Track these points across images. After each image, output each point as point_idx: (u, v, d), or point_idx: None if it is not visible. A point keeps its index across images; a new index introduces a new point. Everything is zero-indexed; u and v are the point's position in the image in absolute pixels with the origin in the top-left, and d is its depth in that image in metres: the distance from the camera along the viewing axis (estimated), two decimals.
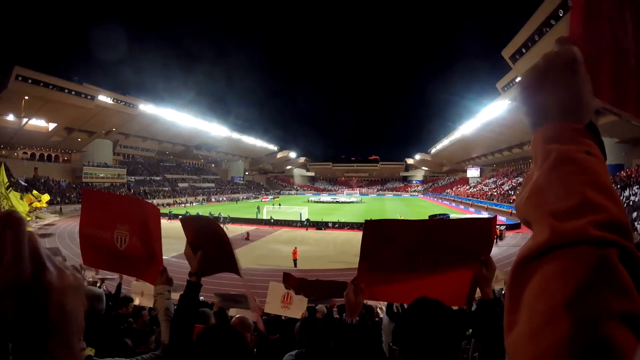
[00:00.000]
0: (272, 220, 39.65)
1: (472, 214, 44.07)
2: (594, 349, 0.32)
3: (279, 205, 58.46)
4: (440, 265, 1.94)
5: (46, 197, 34.59)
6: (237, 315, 3.57)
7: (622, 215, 0.44)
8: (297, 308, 6.03)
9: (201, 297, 9.17)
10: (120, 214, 2.35)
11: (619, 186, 33.93)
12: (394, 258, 1.96)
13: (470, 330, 3.13)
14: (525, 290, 0.41)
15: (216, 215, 42.17)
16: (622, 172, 38.06)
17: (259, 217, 44.58)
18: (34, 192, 35.50)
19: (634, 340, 0.33)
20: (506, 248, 26.24)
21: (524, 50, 37.30)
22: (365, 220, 1.91)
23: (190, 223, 2.29)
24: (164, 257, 2.34)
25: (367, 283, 1.94)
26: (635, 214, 25.72)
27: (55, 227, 34.21)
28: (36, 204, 32.85)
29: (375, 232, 1.95)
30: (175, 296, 2.17)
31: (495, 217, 2.16)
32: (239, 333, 1.42)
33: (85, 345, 1.69)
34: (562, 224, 0.43)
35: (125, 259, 2.34)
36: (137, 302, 8.11)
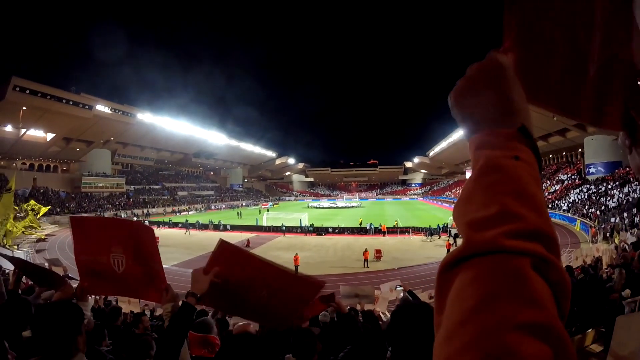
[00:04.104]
0: (284, 228, 39.37)
1: None
2: (495, 357, 0.33)
3: (267, 211, 59.34)
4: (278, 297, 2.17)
5: (44, 210, 34.52)
6: (240, 324, 3.52)
7: (543, 223, 0.44)
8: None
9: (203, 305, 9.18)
10: (113, 237, 2.32)
11: (617, 183, 33.93)
12: (238, 288, 2.14)
13: None
14: (447, 295, 0.42)
15: (216, 223, 42.24)
16: (621, 169, 38.10)
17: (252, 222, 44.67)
18: (32, 202, 35.44)
19: (544, 348, 0.34)
20: None
21: None
22: (220, 239, 2.02)
23: (228, 252, 2.12)
24: (163, 266, 2.31)
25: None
26: (635, 210, 25.70)
27: (55, 238, 34.13)
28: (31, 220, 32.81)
29: (225, 255, 2.06)
30: None
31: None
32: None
33: None
34: (476, 234, 0.44)
35: (124, 281, 2.33)
36: (125, 308, 8.35)
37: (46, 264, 12.30)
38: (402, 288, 8.61)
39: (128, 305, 9.85)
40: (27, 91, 44.10)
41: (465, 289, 0.40)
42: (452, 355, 0.36)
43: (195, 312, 2.00)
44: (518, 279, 0.39)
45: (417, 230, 35.94)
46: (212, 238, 36.33)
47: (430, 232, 33.87)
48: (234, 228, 41.64)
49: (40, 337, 1.64)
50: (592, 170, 43.11)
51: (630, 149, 0.64)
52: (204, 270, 2.02)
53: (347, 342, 2.72)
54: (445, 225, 34.56)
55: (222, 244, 2.03)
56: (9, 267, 11.46)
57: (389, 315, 9.08)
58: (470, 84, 0.60)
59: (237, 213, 59.25)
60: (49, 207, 35.63)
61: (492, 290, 0.38)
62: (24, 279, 3.49)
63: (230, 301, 2.26)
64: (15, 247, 24.17)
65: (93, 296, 8.37)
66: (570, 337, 0.37)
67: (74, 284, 2.70)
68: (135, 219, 52.16)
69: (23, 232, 31.09)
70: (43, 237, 33.80)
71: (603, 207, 31.24)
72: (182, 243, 32.49)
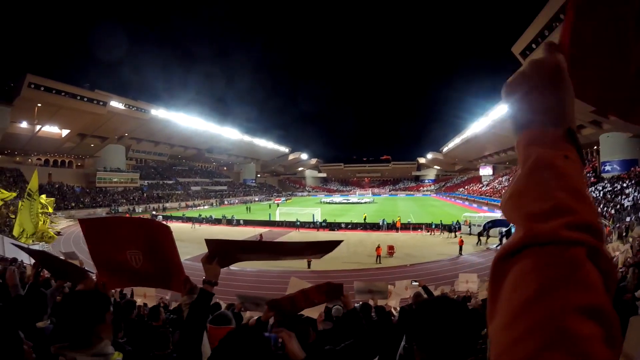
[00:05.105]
0: (299, 223, 39.13)
1: (485, 212, 43.74)
2: (557, 339, 0.35)
3: (277, 206, 59.73)
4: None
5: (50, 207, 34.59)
6: (254, 318, 3.56)
7: (593, 216, 0.47)
8: (315, 308, 5.95)
9: (217, 299, 9.24)
10: (127, 237, 2.33)
11: (633, 182, 33.45)
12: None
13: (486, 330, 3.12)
14: (504, 284, 0.44)
15: (229, 217, 42.46)
16: (637, 167, 37.51)
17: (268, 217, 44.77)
18: (42, 197, 35.69)
19: (599, 330, 0.36)
20: None
21: (534, 46, 36.54)
22: (205, 239, 2.01)
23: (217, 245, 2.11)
24: None
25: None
26: None
27: (70, 232, 34.55)
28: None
29: (218, 249, 2.06)
30: None
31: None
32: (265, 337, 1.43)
33: (114, 350, 1.73)
34: (536, 226, 0.46)
35: (144, 274, 2.36)
36: (140, 302, 8.57)
37: (62, 257, 12.46)
38: (417, 283, 8.63)
39: (144, 298, 9.96)
40: (42, 88, 44.69)
41: (526, 277, 0.42)
42: (517, 339, 0.38)
43: (212, 300, 2.02)
44: (576, 266, 0.41)
45: (429, 226, 35.79)
46: (221, 231, 36.91)
47: (450, 228, 33.81)
48: (247, 223, 41.81)
49: (66, 323, 1.66)
50: (607, 168, 42.41)
51: None
52: (207, 259, 2.02)
53: (352, 336, 2.77)
54: (458, 222, 34.41)
55: (209, 242, 2.01)
56: (26, 259, 11.63)
57: (399, 309, 9.09)
58: (525, 80, 0.62)
59: (247, 208, 59.99)
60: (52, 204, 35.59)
61: (552, 277, 0.40)
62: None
63: (249, 255, 2.35)
64: (30, 240, 24.35)
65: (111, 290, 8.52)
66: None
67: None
68: (154, 212, 52.88)
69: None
70: (58, 230, 34.21)
71: (618, 206, 30.79)
72: (193, 237, 32.25)
